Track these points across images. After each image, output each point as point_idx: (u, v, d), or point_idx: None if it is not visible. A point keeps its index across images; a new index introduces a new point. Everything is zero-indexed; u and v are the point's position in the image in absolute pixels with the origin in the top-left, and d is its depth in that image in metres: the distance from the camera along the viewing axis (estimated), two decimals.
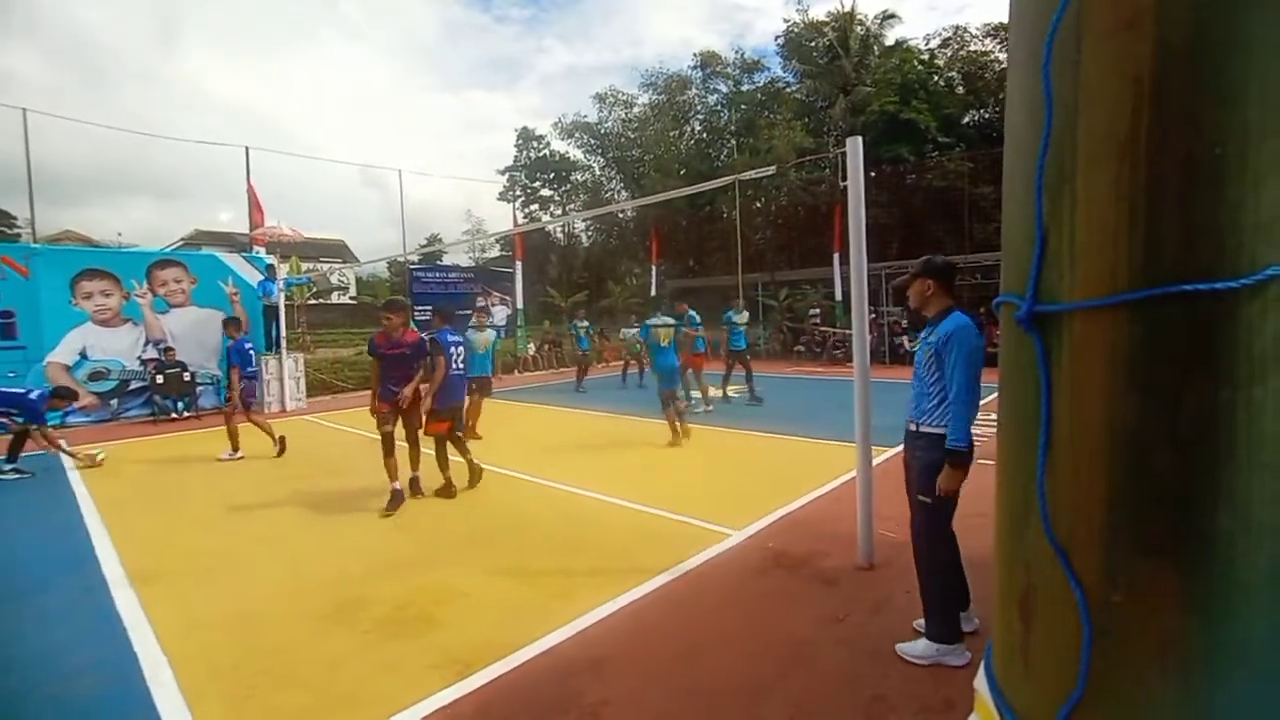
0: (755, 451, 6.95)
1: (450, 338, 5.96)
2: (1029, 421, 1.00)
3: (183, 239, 32.13)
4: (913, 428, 2.81)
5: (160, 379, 10.59)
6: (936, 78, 23.46)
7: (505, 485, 5.80)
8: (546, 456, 6.94)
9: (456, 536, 4.49)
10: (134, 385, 10.77)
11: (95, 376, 10.45)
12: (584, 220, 34.18)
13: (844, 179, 3.95)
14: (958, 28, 24.23)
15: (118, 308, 10.75)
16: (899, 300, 18.73)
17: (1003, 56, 22.60)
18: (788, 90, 28.11)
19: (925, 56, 24.25)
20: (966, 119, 23.70)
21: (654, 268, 20.36)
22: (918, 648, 2.70)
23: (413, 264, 19.47)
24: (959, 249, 17.99)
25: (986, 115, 23.65)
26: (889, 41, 25.44)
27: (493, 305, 19.61)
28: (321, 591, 3.61)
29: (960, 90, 23.69)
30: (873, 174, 20.60)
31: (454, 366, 5.86)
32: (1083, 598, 0.91)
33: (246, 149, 14.52)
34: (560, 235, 35.71)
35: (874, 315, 16.38)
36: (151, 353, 10.91)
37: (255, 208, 14.55)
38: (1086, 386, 0.91)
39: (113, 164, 51.19)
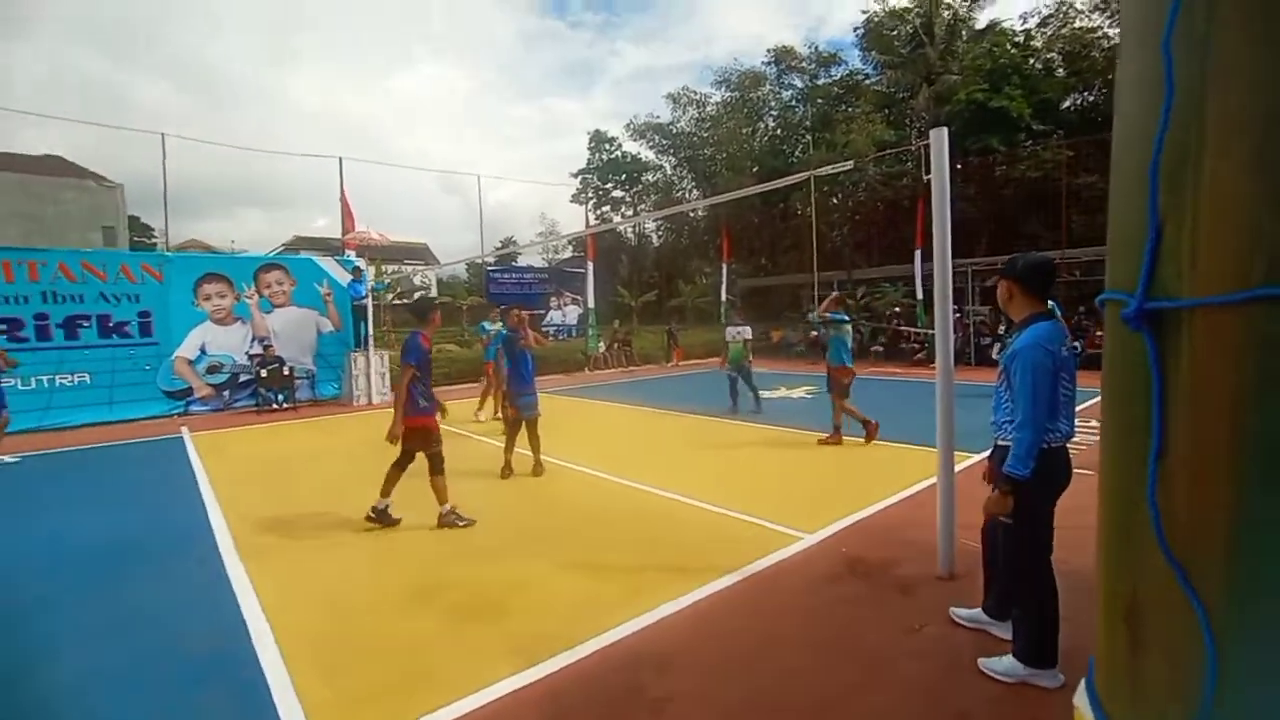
0: (829, 454, 6.75)
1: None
2: (1138, 428, 0.91)
3: (284, 244, 34.87)
4: (997, 439, 2.66)
5: (264, 373, 11.53)
6: (1033, 60, 21.87)
7: (576, 481, 5.92)
8: (617, 454, 7.02)
9: (529, 529, 4.63)
10: (243, 379, 11.79)
11: (212, 370, 11.54)
12: (655, 220, 34.32)
13: (927, 172, 3.76)
14: (1061, 3, 22.38)
15: (230, 308, 11.81)
16: (986, 299, 17.67)
17: (1112, 32, 20.76)
18: (867, 83, 27.13)
19: (1020, 38, 22.66)
20: (1066, 103, 21.94)
21: (725, 266, 20.13)
22: (1003, 664, 2.53)
23: (490, 265, 20.22)
24: (1055, 244, 16.73)
25: (1090, 98, 21.79)
26: (979, 25, 24.00)
27: (565, 305, 20.05)
28: (404, 574, 3.82)
29: (1060, 72, 21.96)
30: (958, 166, 19.48)
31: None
32: (1205, 618, 0.82)
33: (340, 160, 15.56)
34: (631, 236, 36.05)
35: (958, 315, 15.53)
36: (257, 349, 11.90)
37: (347, 214, 15.58)
38: (1211, 390, 0.83)
39: (229, 178, 56.65)
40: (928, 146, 3.75)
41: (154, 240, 28.37)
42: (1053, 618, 2.47)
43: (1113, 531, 0.99)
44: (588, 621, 3.12)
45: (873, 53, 26.03)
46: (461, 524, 4.64)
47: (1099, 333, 14.22)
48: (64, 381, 9.99)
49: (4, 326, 9.45)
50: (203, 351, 11.46)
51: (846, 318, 7.14)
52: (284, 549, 4.34)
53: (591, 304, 18.29)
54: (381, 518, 4.70)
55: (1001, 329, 15.51)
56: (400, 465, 4.74)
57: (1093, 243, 16.50)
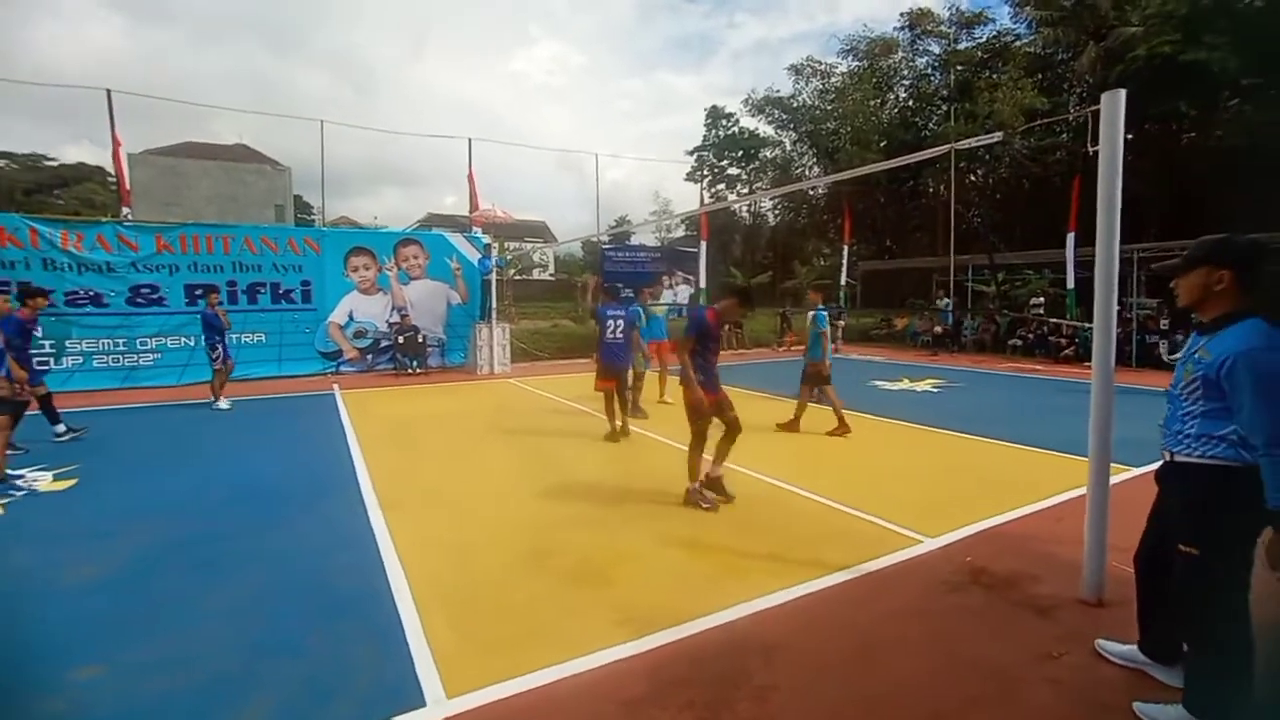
0: (958, 454, 6.26)
1: (610, 312, 6.79)
2: None
3: (419, 221, 37.89)
4: (1167, 456, 2.32)
5: (401, 340, 12.66)
6: None
7: (680, 458, 5.96)
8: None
9: (634, 502, 4.74)
10: (383, 344, 13.02)
11: (358, 335, 12.86)
12: (771, 198, 33.30)
13: (1093, 143, 3.29)
14: None
15: (374, 279, 13.04)
16: (1154, 291, 15.33)
17: None
18: (1017, 44, 24.32)
19: None
20: None
21: (846, 248, 19.15)
22: (1168, 714, 2.21)
23: (604, 244, 20.66)
24: (1260, 225, 14.05)
25: None
26: None
27: (676, 284, 20.02)
28: (521, 534, 4.07)
29: None
30: (1130, 136, 16.94)
31: (611, 336, 6.71)
32: None
33: (469, 140, 16.49)
34: (746, 214, 35.27)
35: (1119, 308, 13.71)
36: (395, 317, 13.07)
37: (473, 192, 16.53)
38: None
39: (372, 160, 62.51)
40: (1095, 113, 3.27)
41: (313, 217, 32.08)
42: (1246, 671, 2.11)
43: None
44: (693, 599, 3.15)
45: (1027, 8, 23.19)
46: (705, 506, 4.53)
47: None
48: (248, 340, 11.63)
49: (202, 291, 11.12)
50: (351, 318, 12.78)
51: (825, 311, 7.16)
52: (416, 503, 4.77)
53: (703, 284, 18.17)
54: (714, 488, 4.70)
55: (1164, 323, 13.46)
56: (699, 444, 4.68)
57: None
